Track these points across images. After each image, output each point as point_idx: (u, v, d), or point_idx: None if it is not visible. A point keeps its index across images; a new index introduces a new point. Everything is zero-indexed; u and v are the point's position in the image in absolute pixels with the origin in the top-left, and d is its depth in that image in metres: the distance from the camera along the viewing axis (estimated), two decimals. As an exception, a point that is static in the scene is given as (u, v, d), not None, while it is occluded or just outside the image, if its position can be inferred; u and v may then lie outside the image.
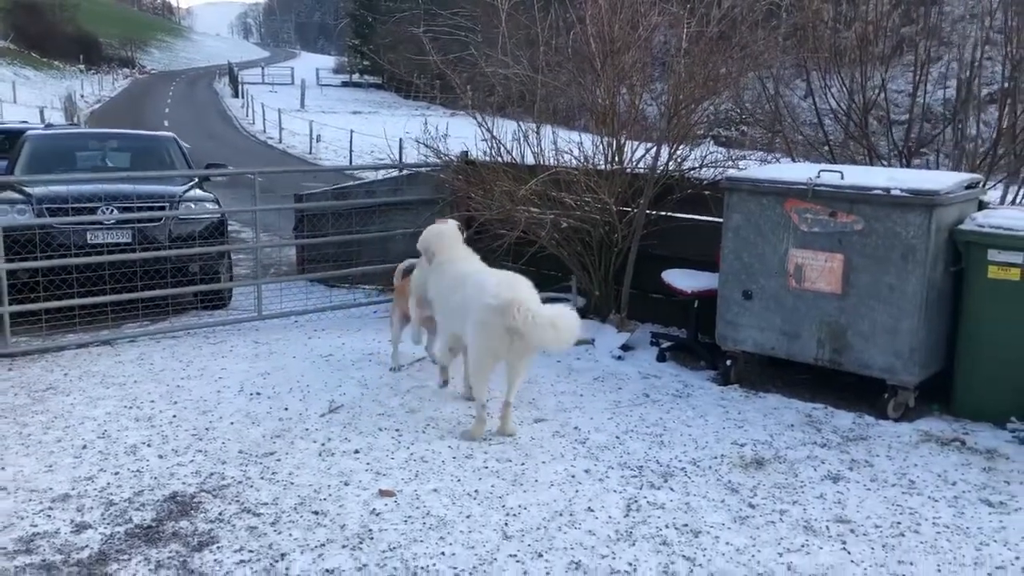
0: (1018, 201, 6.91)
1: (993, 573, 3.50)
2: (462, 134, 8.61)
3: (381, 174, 10.54)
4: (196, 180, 8.91)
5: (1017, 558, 3.62)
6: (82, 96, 46.60)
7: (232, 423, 4.98)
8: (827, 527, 3.87)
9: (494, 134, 7.42)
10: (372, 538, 3.69)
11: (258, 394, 5.50)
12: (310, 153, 30.19)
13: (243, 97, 51.55)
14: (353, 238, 8.52)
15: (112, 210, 7.61)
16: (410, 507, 3.98)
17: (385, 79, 64.91)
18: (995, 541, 3.77)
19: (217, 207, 8.50)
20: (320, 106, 48.47)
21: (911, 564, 3.55)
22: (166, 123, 35.25)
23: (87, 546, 3.59)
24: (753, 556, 3.60)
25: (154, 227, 7.85)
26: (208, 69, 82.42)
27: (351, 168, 24.28)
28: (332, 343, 6.75)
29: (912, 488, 4.29)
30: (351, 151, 28.02)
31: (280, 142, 32.76)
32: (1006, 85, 7.96)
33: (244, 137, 34.97)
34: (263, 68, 71.93)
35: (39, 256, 6.94)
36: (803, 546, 3.69)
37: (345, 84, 68.59)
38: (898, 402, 5.18)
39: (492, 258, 7.10)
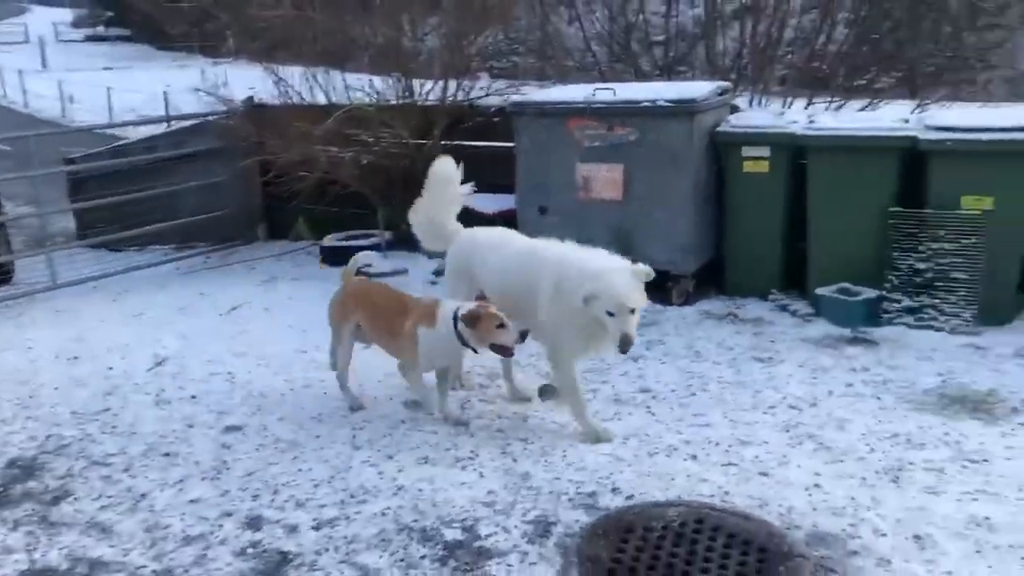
0: (763, 105, 7.84)
1: (767, 411, 4.23)
2: (241, 81, 8.53)
3: (163, 128, 10.15)
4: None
5: (784, 398, 4.38)
6: None
7: (56, 388, 4.91)
8: (633, 397, 4.47)
9: (281, 76, 7.43)
10: (228, 468, 3.89)
11: (76, 358, 5.40)
12: (63, 116, 27.94)
13: (-30, 60, 46.31)
14: (140, 196, 8.26)
15: None
16: (259, 437, 4.19)
17: (135, 30, 60.39)
18: (766, 388, 4.51)
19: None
20: (65, 64, 44.46)
21: (703, 415, 4.21)
22: None
23: (-67, 520, 3.55)
24: (575, 427, 4.11)
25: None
26: (-80, 32, 72.89)
27: (133, 124, 22.79)
28: (141, 302, 6.66)
29: (698, 357, 4.99)
30: (110, 109, 26.20)
31: (26, 106, 30.02)
32: (745, 3, 8.90)
33: (-20, 104, 31.66)
34: (-10, 26, 64.65)
35: None
36: (615, 415, 4.26)
37: (90, 39, 63.02)
38: (680, 289, 5.89)
39: (294, 201, 7.24)
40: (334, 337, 4.58)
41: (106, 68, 42.95)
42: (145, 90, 26.91)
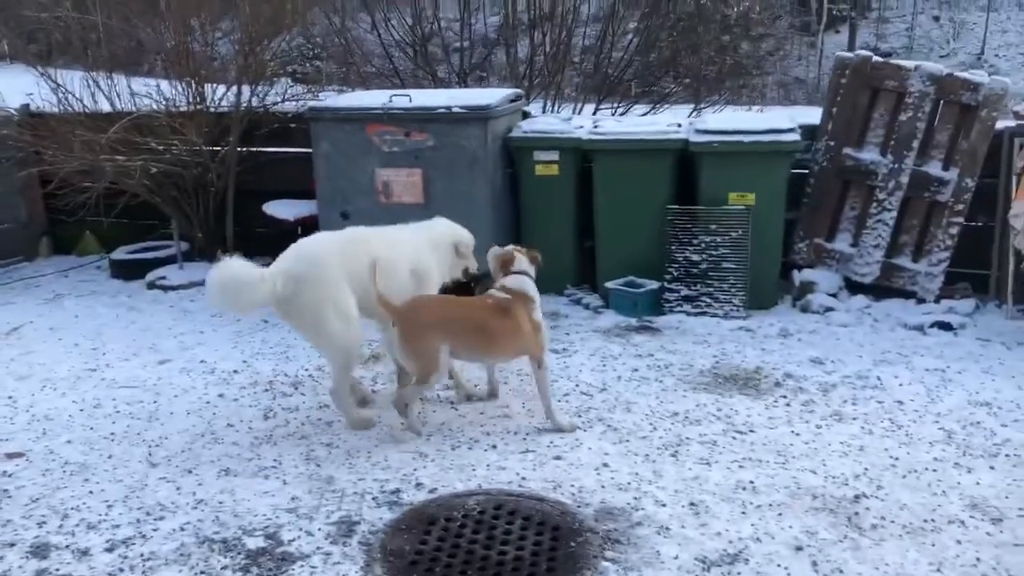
0: (556, 110, 8.23)
1: (561, 399, 4.47)
2: (15, 87, 7.96)
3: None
4: None
5: (577, 386, 4.66)
6: None
7: None
8: (437, 395, 4.58)
9: (58, 83, 7.01)
10: (11, 497, 3.67)
11: None
12: None
13: None
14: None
15: None
16: (45, 462, 3.98)
17: None
18: (562, 377, 4.78)
19: None
20: None
21: (504, 406, 4.40)
22: None
23: None
24: (380, 429, 4.18)
25: None
26: None
27: None
28: None
29: (499, 353, 5.19)
30: None
31: None
32: (536, 14, 9.30)
33: None
34: None
35: None
36: (420, 412, 4.37)
37: None
38: (481, 287, 6.07)
39: (79, 213, 6.86)
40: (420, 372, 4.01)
41: None
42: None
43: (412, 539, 3.26)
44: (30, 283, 7.16)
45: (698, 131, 5.68)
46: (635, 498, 3.49)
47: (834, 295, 5.76)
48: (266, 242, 7.24)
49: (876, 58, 5.90)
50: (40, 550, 3.27)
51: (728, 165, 5.56)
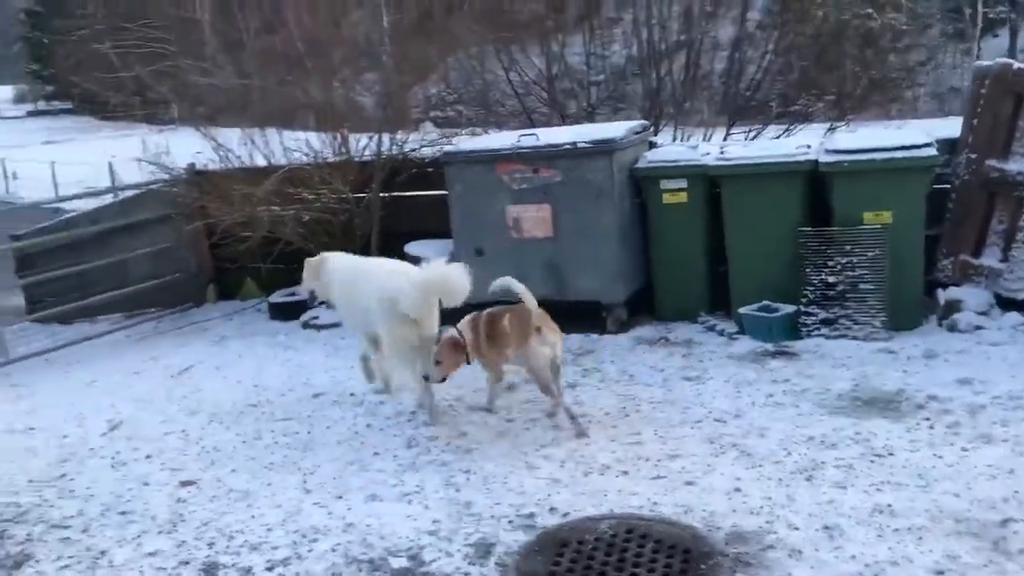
0: (685, 138, 8.27)
1: (694, 426, 4.50)
2: (184, 148, 8.74)
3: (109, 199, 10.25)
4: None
5: (709, 412, 4.66)
6: None
7: (12, 460, 5.02)
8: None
9: (220, 142, 7.66)
10: (184, 520, 4.05)
11: (31, 429, 5.52)
12: (7, 192, 27.79)
13: (-90, 143, 45.83)
14: (88, 268, 8.36)
15: None
16: (213, 489, 4.35)
17: (76, 102, 60.27)
18: (694, 405, 4.80)
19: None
20: (6, 141, 44.22)
21: (636, 433, 4.47)
22: None
23: None
24: (516, 456, 4.34)
25: None
26: None
27: (77, 197, 22.69)
28: (93, 371, 6.77)
29: (632, 380, 5.27)
30: (55, 183, 26.12)
31: (-31, 186, 29.78)
32: (664, 44, 9.37)
33: (-77, 187, 31.29)
34: (-73, 109, 64.06)
35: None
36: (553, 440, 4.50)
37: (31, 114, 62.77)
38: (614, 318, 6.18)
39: (241, 261, 7.44)
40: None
41: (47, 142, 42.77)
42: (89, 161, 26.93)
43: (546, 561, 3.38)
44: (199, 327, 7.80)
45: (828, 151, 5.60)
46: (767, 522, 3.48)
47: (984, 313, 5.51)
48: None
49: (1018, 64, 5.65)
50: (210, 568, 3.60)
51: (861, 184, 5.44)
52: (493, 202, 6.33)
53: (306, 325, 7.26)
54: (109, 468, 4.75)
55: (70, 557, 3.82)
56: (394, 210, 7.40)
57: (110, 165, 22.33)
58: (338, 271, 5.38)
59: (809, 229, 5.61)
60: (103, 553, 3.82)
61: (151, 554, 3.76)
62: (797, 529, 3.40)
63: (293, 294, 7.87)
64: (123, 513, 4.18)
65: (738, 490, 3.77)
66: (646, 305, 6.43)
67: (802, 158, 5.64)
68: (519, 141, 6.23)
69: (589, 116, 8.54)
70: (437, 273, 4.77)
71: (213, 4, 8.18)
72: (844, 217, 5.53)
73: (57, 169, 26.37)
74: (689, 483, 3.89)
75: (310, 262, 5.60)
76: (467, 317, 4.83)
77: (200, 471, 4.59)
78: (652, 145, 6.65)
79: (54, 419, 5.66)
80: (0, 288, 8.93)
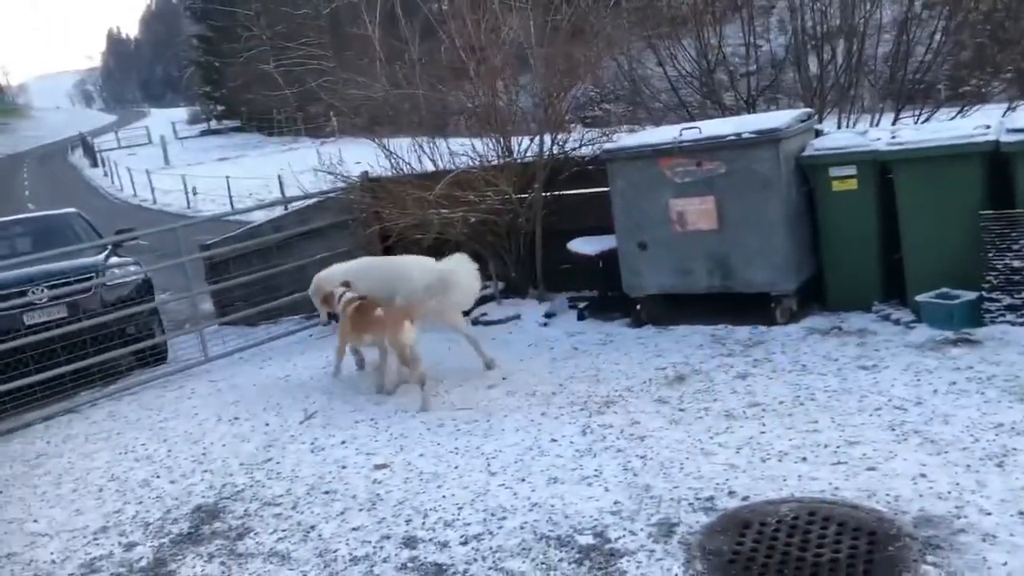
0: (850, 125, 8.05)
1: (873, 414, 4.45)
2: (349, 158, 9.30)
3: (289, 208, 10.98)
4: (110, 248, 9.25)
5: (889, 400, 4.59)
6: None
7: (224, 445, 5.56)
8: (744, 411, 4.76)
9: (391, 151, 8.11)
10: (382, 499, 4.38)
11: (236, 419, 6.06)
12: (188, 207, 29.99)
13: (103, 165, 50.23)
14: (271, 273, 9.00)
15: (42, 289, 7.96)
16: (405, 472, 4.68)
17: (244, 120, 64.32)
18: (872, 393, 4.73)
19: (140, 268, 8.91)
20: (185, 160, 47.70)
21: (813, 421, 4.47)
22: (31, 206, 34.23)
23: (143, 557, 4.17)
24: (691, 443, 4.44)
25: (86, 298, 8.21)
26: (57, 144, 79.37)
27: (259, 208, 24.36)
28: (284, 367, 7.32)
29: (804, 370, 5.24)
30: (230, 196, 28.04)
31: (155, 203, 32.35)
32: (824, 29, 9.15)
33: (116, 204, 34.31)
34: (116, 132, 69.94)
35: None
36: (727, 428, 4.57)
37: (204, 133, 67.48)
38: (783, 308, 6.14)
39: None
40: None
41: (221, 159, 45.87)
42: (260, 175, 28.76)
43: (728, 540, 3.47)
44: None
45: (1010, 130, 5.37)
46: (956, 507, 3.43)
47: None
48: (571, 276, 7.86)
49: None
50: (410, 542, 3.90)
51: (1048, 162, 5.20)
52: (655, 196, 6.42)
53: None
54: (309, 452, 5.18)
55: (284, 531, 4.22)
56: (556, 208, 7.61)
57: (279, 178, 23.82)
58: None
59: (991, 212, 5.39)
60: (312, 528, 4.20)
61: (355, 529, 4.11)
62: (990, 514, 3.34)
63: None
64: (326, 493, 4.57)
65: (923, 475, 3.73)
66: (816, 295, 6.35)
67: (981, 139, 5.43)
68: (681, 135, 6.30)
69: (749, 107, 8.46)
70: (448, 270, 5.93)
71: (382, 19, 8.59)
72: (1030, 198, 5.29)
73: (231, 183, 28.31)
74: (871, 468, 3.87)
75: (312, 294, 6.98)
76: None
77: (391, 455, 4.93)
78: (818, 133, 6.55)
79: (255, 410, 6.20)
80: (197, 293, 9.73)
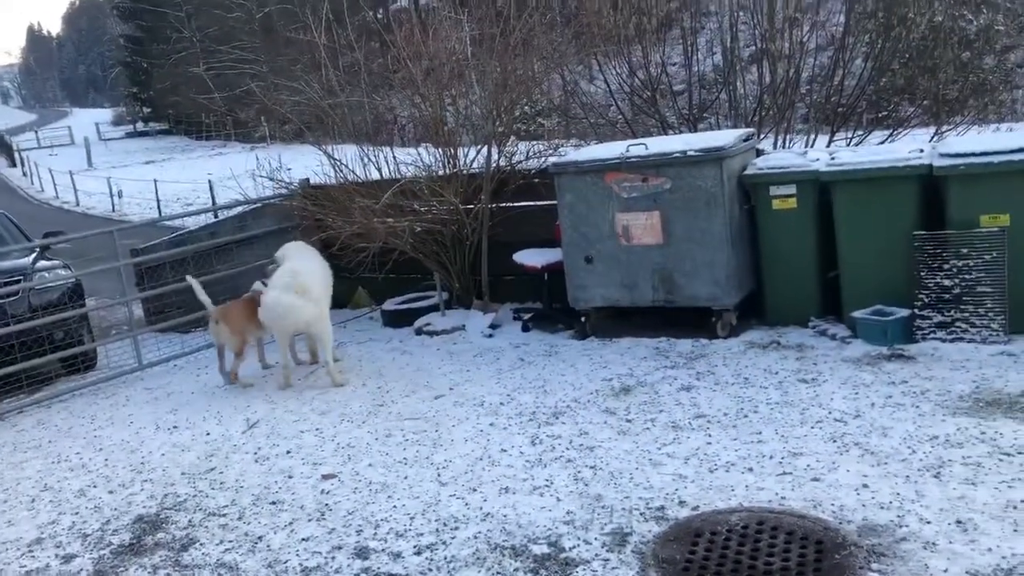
0: (787, 146, 8.31)
1: (814, 426, 4.59)
2: (288, 163, 9.20)
3: (224, 214, 10.77)
4: (38, 250, 8.94)
5: (829, 413, 4.74)
6: None
7: (163, 454, 5.42)
8: (689, 423, 4.85)
9: (336, 158, 8.04)
10: (331, 509, 4.33)
11: (175, 427, 5.92)
12: (113, 211, 29.14)
13: (22, 165, 48.49)
14: (206, 279, 8.77)
15: (-35, 292, 7.65)
16: (353, 482, 4.64)
17: (171, 123, 62.88)
18: (812, 406, 4.88)
19: (70, 272, 8.63)
20: (109, 162, 46.38)
21: (759, 432, 4.58)
22: (-56, 204, 32.88)
23: (82, 569, 4.04)
24: (639, 454, 4.51)
25: (13, 300, 7.91)
26: (-29, 142, 76.47)
27: (193, 214, 23.73)
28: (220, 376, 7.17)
29: (747, 383, 5.37)
30: (158, 201, 27.35)
31: (78, 205, 31.37)
32: (761, 46, 9.43)
33: (36, 206, 33.09)
34: (36, 131, 67.62)
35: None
36: (674, 439, 4.65)
37: (130, 135, 65.77)
38: (724, 323, 6.29)
39: (358, 271, 7.79)
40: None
41: (147, 162, 44.75)
42: (187, 179, 28.15)
43: (681, 549, 3.54)
44: (316, 334, 8.16)
45: (943, 155, 5.61)
46: (898, 515, 3.56)
47: (1108, 315, 5.43)
48: (516, 288, 7.91)
49: None
50: (362, 552, 3.86)
51: (977, 187, 5.44)
52: (602, 210, 6.51)
53: (419, 331, 7.55)
54: (254, 462, 5.09)
55: (231, 541, 4.13)
56: (502, 220, 7.64)
57: (210, 183, 23.35)
58: None
59: (924, 232, 5.63)
60: (260, 538, 4.12)
61: (305, 539, 4.05)
62: (929, 523, 3.48)
63: (405, 302, 8.20)
64: (273, 503, 4.49)
65: (865, 486, 3.86)
66: (755, 310, 6.51)
67: (916, 162, 5.66)
68: (628, 150, 6.40)
69: (691, 125, 8.65)
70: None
71: (326, 25, 8.50)
72: (960, 220, 5.53)
73: (159, 187, 27.61)
74: (815, 479, 3.99)
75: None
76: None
77: (339, 465, 4.88)
78: (759, 152, 6.73)
79: (195, 418, 6.06)
80: (130, 299, 9.46)
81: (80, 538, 4.37)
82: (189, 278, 7.08)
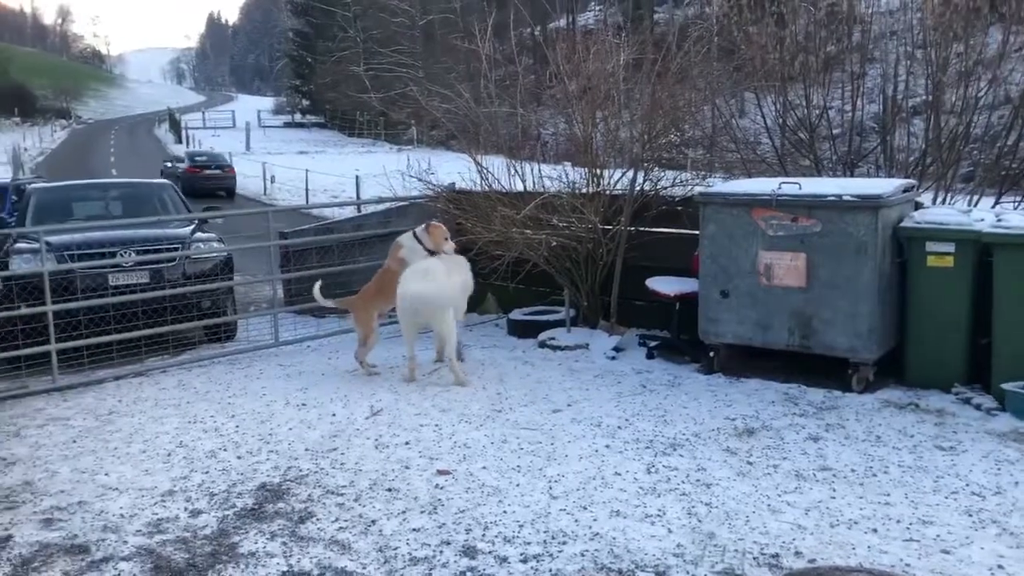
0: (947, 202, 7.93)
1: (948, 496, 4.35)
2: (436, 167, 9.44)
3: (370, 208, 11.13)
4: (197, 222, 9.50)
5: (966, 485, 4.48)
6: (25, 149, 46.29)
7: (291, 428, 5.65)
8: (814, 474, 4.69)
9: (484, 167, 8.21)
10: (443, 505, 4.41)
11: (304, 405, 6.17)
12: (264, 194, 30.67)
13: (188, 143, 51.68)
14: (345, 269, 9.10)
15: (130, 253, 8.21)
16: (467, 481, 4.70)
17: (327, 118, 65.66)
18: (948, 475, 4.63)
19: (223, 246, 9.13)
20: (265, 147, 48.88)
21: (887, 494, 4.39)
22: (114, 172, 35.38)
23: (207, 525, 4.26)
24: (758, 498, 4.40)
25: (170, 267, 8.44)
26: (145, 116, 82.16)
27: (352, 204, 24.78)
28: (353, 362, 7.40)
29: (879, 442, 5.14)
30: (307, 189, 28.60)
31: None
32: (928, 98, 9.04)
33: (196, 181, 35.12)
34: (203, 112, 71.93)
35: (73, 298, 7.49)
36: (796, 488, 4.51)
37: (288, 125, 69.03)
38: (860, 376, 6.05)
39: (491, 278, 7.91)
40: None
41: (301, 152, 46.85)
42: (337, 172, 29.32)
43: (794, 601, 3.42)
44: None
45: (1124, 229, 5.25)
46: (1036, 604, 3.34)
47: None
48: (644, 313, 7.85)
49: None
50: (469, 551, 3.91)
51: None
52: (745, 246, 6.39)
53: (543, 344, 7.60)
54: (374, 448, 5.24)
55: (345, 521, 4.27)
56: (640, 244, 7.61)
57: (356, 178, 24.24)
58: None
59: (1093, 309, 5.27)
60: (374, 522, 4.24)
61: (415, 530, 4.14)
62: (1070, 617, 3.25)
63: (532, 313, 8.27)
64: (389, 490, 4.61)
65: (1001, 567, 3.63)
66: (893, 368, 6.24)
67: (1092, 233, 5.31)
68: (780, 188, 6.27)
69: (848, 169, 8.38)
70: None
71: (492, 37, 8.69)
72: None
73: (309, 177, 28.87)
74: (945, 552, 3.79)
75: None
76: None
77: (454, 463, 4.96)
78: (918, 205, 6.46)
79: (323, 399, 6.29)
80: (267, 279, 9.91)
81: (208, 496, 4.61)
82: (316, 291, 7.27)
